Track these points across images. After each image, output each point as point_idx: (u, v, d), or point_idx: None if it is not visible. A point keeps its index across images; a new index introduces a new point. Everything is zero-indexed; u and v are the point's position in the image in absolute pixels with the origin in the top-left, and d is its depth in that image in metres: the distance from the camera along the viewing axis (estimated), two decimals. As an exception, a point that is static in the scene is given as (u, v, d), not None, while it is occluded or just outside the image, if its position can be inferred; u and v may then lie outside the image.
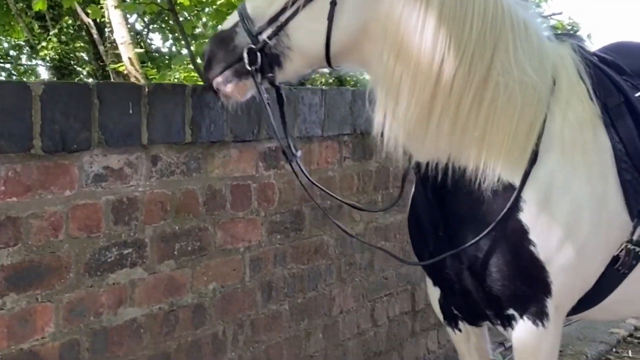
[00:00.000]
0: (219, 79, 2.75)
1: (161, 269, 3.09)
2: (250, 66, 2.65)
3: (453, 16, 2.52)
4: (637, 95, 2.84)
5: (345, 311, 4.16)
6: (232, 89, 2.75)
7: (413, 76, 2.53)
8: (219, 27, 2.88)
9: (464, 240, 2.71)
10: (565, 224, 2.65)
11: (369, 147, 4.24)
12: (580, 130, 2.73)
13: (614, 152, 2.75)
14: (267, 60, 2.67)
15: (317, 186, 3.11)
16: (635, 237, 2.77)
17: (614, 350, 6.04)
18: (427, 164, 2.69)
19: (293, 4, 2.61)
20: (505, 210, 2.62)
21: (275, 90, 2.89)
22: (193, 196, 3.23)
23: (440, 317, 3.16)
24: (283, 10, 2.63)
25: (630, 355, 5.94)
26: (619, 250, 2.76)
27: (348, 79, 14.10)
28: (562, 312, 2.80)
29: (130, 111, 2.87)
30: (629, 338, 6.36)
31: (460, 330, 3.11)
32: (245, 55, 2.66)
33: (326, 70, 2.77)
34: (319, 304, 3.97)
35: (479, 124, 2.58)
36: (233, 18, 2.74)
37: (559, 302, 2.73)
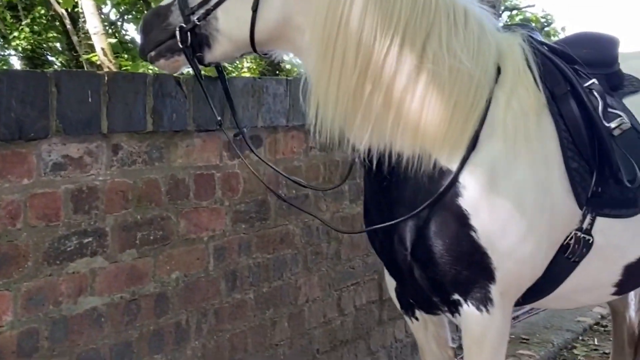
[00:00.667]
0: (152, 54, 2.92)
1: (122, 258, 3.08)
2: (181, 44, 2.81)
3: (380, 6, 2.57)
4: (587, 84, 2.87)
5: (312, 300, 4.17)
6: (165, 64, 2.94)
7: (341, 65, 2.58)
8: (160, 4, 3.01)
9: (405, 226, 2.73)
10: (507, 210, 2.66)
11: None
12: (524, 117, 2.75)
13: (560, 140, 2.76)
14: (197, 40, 2.81)
15: (267, 164, 3.26)
16: (584, 226, 2.79)
17: (580, 338, 6.10)
18: (369, 151, 2.71)
19: None
20: (438, 193, 2.65)
21: (215, 68, 3.09)
22: (155, 185, 3.22)
23: (398, 306, 3.18)
24: None
25: (596, 343, 6.01)
26: (569, 238, 2.78)
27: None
28: (508, 299, 2.81)
29: (90, 99, 2.85)
30: (595, 326, 6.43)
31: (417, 319, 3.13)
32: (177, 33, 2.81)
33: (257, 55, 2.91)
34: (285, 293, 3.98)
35: (412, 110, 2.60)
36: None
37: (503, 288, 2.74)
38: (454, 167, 2.67)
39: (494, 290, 2.72)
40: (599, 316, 6.56)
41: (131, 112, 3.03)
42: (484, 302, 2.73)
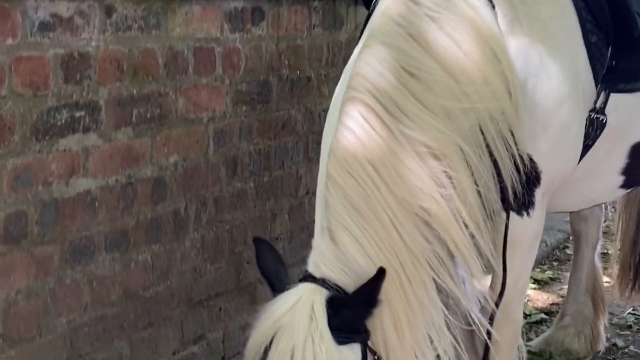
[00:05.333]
0: None
1: (118, 136, 2.77)
2: None
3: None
4: None
5: (312, 192, 3.89)
6: None
7: None
8: None
9: None
10: (545, 108, 2.56)
11: (340, 16, 3.94)
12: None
13: (577, 14, 2.63)
14: None
15: None
16: (598, 105, 2.68)
17: (571, 238, 6.00)
18: None
19: None
20: None
21: None
22: (152, 56, 2.88)
23: None
24: None
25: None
26: None
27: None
28: (547, 199, 2.68)
29: (81, -50, 2.47)
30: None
31: None
32: None
33: None
34: (286, 184, 3.72)
35: None
36: None
37: (545, 189, 2.63)
38: None
39: (537, 192, 2.60)
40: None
41: (127, -32, 2.66)
42: (526, 206, 2.60)
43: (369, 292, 2.20)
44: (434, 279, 2.35)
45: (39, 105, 2.46)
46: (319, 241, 2.34)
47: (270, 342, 2.18)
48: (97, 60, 2.65)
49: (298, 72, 3.66)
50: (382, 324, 2.26)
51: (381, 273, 2.18)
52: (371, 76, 2.38)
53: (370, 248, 2.26)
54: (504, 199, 2.57)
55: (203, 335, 3.22)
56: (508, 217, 2.61)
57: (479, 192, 2.43)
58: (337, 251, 2.27)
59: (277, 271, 2.33)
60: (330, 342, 2.16)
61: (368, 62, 2.41)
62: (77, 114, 2.59)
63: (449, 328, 2.42)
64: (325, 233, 2.31)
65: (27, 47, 2.41)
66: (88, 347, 2.69)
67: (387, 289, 2.24)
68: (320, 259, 2.30)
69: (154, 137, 2.92)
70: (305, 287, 2.25)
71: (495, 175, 2.50)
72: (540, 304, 4.40)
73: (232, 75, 3.29)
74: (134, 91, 2.81)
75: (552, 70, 2.56)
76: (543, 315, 4.23)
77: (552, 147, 2.58)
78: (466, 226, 2.41)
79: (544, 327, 4.08)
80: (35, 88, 2.44)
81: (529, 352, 3.28)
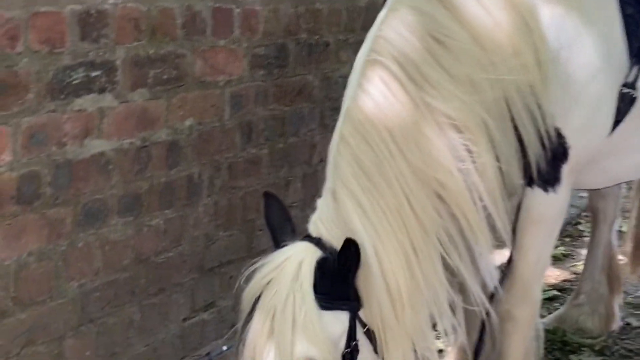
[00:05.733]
0: None
1: (133, 97, 2.69)
2: None
3: None
4: None
5: (326, 160, 3.83)
6: None
7: None
8: None
9: None
10: (578, 80, 2.48)
11: (360, -20, 3.83)
12: None
13: None
14: None
15: None
16: (630, 79, 2.58)
17: (583, 214, 5.93)
18: None
19: None
20: None
21: None
22: (170, 16, 2.80)
23: None
24: None
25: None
26: None
27: None
28: (573, 175, 2.62)
29: None
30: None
31: None
32: None
33: None
34: (300, 151, 3.64)
35: None
36: None
37: (572, 166, 2.56)
38: None
39: (564, 168, 2.54)
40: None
41: None
42: (552, 182, 2.53)
43: (351, 256, 2.12)
44: (441, 256, 2.29)
45: (54, 63, 2.39)
46: (322, 201, 2.30)
47: (258, 298, 2.14)
48: (114, 18, 2.57)
49: (316, 37, 3.57)
50: (379, 297, 2.18)
51: (352, 243, 2.10)
52: (395, 40, 2.30)
53: (373, 214, 2.19)
54: (528, 175, 2.50)
55: (214, 303, 3.17)
56: (527, 193, 2.54)
57: (499, 168, 2.36)
58: (337, 212, 2.22)
59: (283, 227, 2.28)
60: (311, 305, 2.09)
61: (392, 26, 2.33)
62: (93, 74, 2.52)
63: (452, 309, 2.37)
64: (329, 193, 2.26)
65: (44, 2, 2.33)
66: (99, 312, 2.64)
67: (390, 259, 2.17)
68: (320, 218, 2.26)
69: (169, 99, 2.84)
70: (299, 246, 2.20)
71: (519, 151, 2.44)
72: (552, 281, 4.34)
73: (250, 38, 3.20)
74: (151, 51, 2.73)
75: (587, 42, 2.48)
76: (556, 292, 4.16)
77: (583, 121, 2.51)
78: (482, 203, 2.34)
79: (556, 304, 4.02)
80: (51, 45, 2.37)
81: (541, 329, 3.23)
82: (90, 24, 2.48)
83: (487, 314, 2.54)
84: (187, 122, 2.94)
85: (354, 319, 2.17)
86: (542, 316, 3.81)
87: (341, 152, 2.26)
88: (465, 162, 2.28)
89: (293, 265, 2.13)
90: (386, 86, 2.27)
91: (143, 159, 2.76)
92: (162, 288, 2.90)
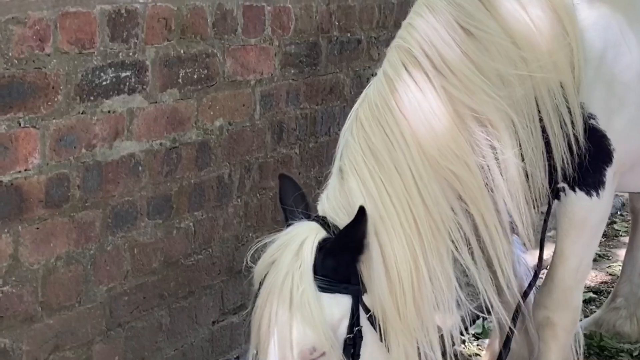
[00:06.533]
0: None
1: (163, 98, 2.64)
2: None
3: None
4: None
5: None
6: None
7: None
8: None
9: None
10: (623, 81, 2.42)
11: (393, -25, 3.76)
12: None
13: None
14: None
15: None
16: None
17: (618, 213, 5.81)
18: None
19: None
20: None
21: None
22: (201, 15, 2.74)
23: None
24: None
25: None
26: None
27: None
28: (617, 179, 2.56)
29: None
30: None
31: None
32: None
33: None
34: (331, 151, 3.55)
35: None
36: None
37: (617, 169, 2.51)
38: None
39: (609, 171, 2.48)
40: (637, 191, 6.26)
41: None
42: (597, 186, 2.47)
43: (352, 235, 2.06)
44: (452, 252, 2.21)
45: (84, 64, 2.34)
46: (331, 180, 2.26)
47: (264, 278, 2.11)
48: (144, 17, 2.51)
49: (348, 34, 3.50)
50: (379, 282, 2.11)
51: (361, 214, 2.02)
52: (423, 28, 2.25)
53: (378, 196, 2.13)
54: (568, 178, 2.43)
55: (243, 305, 3.12)
56: (557, 198, 2.46)
57: (524, 170, 2.28)
58: (343, 192, 2.18)
59: (297, 208, 2.23)
60: (309, 286, 2.03)
61: (422, 14, 2.28)
62: (123, 74, 2.47)
63: (459, 309, 2.28)
64: (337, 173, 2.23)
65: (74, 2, 2.28)
66: (127, 316, 2.60)
67: (392, 245, 2.11)
68: (327, 197, 2.22)
69: (199, 99, 2.79)
70: (304, 225, 2.16)
71: (545, 153, 2.36)
72: (588, 282, 4.23)
73: (281, 36, 3.14)
74: (181, 51, 2.68)
75: (633, 42, 2.41)
76: (592, 294, 4.07)
77: (629, 123, 2.44)
78: (505, 205, 2.26)
79: (592, 307, 3.93)
80: (80, 46, 2.32)
81: (577, 333, 3.15)
82: (120, 24, 2.44)
83: (514, 319, 2.47)
84: (218, 122, 2.89)
85: (356, 304, 2.11)
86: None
87: (353, 132, 2.23)
88: (486, 158, 2.21)
89: (295, 244, 2.09)
90: (408, 73, 2.23)
91: (173, 160, 2.72)
92: (191, 291, 2.86)
